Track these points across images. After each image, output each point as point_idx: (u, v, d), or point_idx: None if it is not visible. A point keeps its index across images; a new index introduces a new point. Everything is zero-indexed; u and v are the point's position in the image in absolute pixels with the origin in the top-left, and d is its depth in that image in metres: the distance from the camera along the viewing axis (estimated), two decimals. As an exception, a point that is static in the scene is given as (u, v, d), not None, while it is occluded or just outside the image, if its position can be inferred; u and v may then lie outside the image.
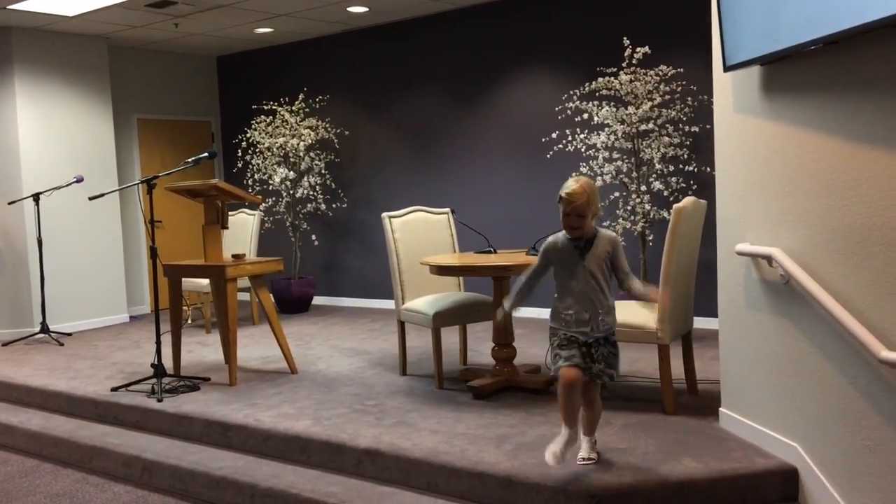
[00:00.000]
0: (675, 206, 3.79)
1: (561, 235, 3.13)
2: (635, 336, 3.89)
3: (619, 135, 5.86)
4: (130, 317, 7.76)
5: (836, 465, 2.86)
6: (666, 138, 5.81)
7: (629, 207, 5.98)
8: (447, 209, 5.30)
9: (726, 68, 3.28)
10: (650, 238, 6.00)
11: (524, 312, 6.68)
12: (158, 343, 4.79)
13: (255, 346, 5.98)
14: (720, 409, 3.66)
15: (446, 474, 3.37)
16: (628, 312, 4.00)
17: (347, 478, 3.62)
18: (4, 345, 6.48)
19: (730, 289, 3.55)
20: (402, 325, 4.94)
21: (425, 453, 3.49)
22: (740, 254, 3.33)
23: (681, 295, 3.95)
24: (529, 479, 3.16)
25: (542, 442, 3.50)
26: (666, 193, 5.91)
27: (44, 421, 4.77)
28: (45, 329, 6.56)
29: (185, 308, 7.41)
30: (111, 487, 4.06)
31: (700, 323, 5.77)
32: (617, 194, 6.22)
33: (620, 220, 6.01)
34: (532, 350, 5.19)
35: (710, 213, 4.09)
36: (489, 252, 4.70)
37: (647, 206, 5.85)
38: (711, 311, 5.13)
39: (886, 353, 2.42)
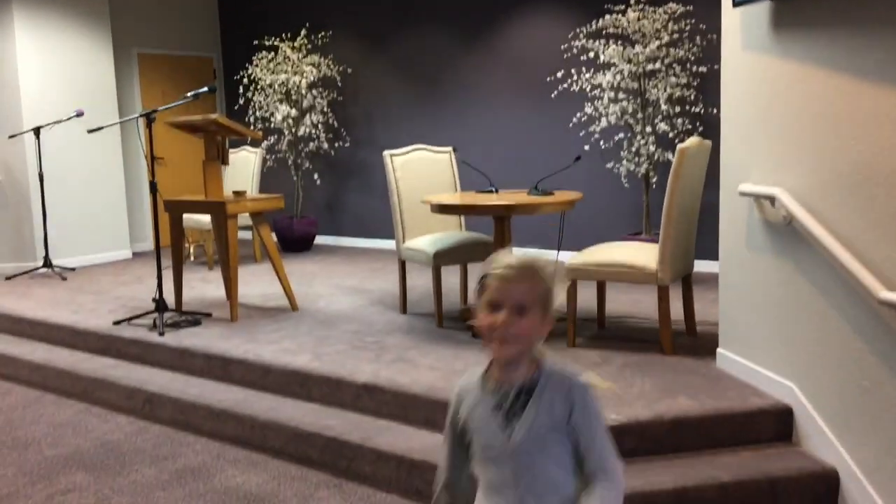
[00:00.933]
0: (679, 146, 3.74)
1: (476, 376, 1.66)
2: (635, 277, 3.88)
3: (626, 74, 5.77)
4: (133, 253, 7.78)
5: (832, 405, 2.88)
6: (673, 78, 5.72)
7: (633, 149, 5.92)
8: (449, 148, 5.25)
9: (735, 3, 3.20)
10: (654, 180, 5.96)
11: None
12: (160, 278, 4.81)
13: (257, 284, 6.00)
14: (717, 349, 3.68)
15: (444, 410, 3.38)
16: (628, 253, 3.99)
17: (346, 412, 3.66)
18: (8, 278, 6.51)
19: (732, 230, 3.53)
20: (402, 264, 4.94)
21: (423, 389, 3.52)
22: (743, 194, 3.30)
23: (682, 236, 3.94)
24: (526, 415, 3.18)
25: (539, 379, 3.52)
26: (671, 135, 5.85)
27: (47, 353, 4.82)
28: (48, 263, 6.58)
29: (186, 245, 7.42)
30: (114, 418, 4.12)
31: (701, 266, 5.76)
32: (621, 135, 6.16)
33: (625, 163, 5.96)
34: (532, 291, 5.20)
35: (714, 155, 4.05)
36: (491, 192, 4.67)
37: (652, 148, 5.79)
38: (713, 255, 5.12)
39: (885, 294, 2.41)
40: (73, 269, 6.77)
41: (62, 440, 3.85)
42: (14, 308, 5.43)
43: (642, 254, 3.94)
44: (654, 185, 5.99)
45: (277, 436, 3.59)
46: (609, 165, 6.20)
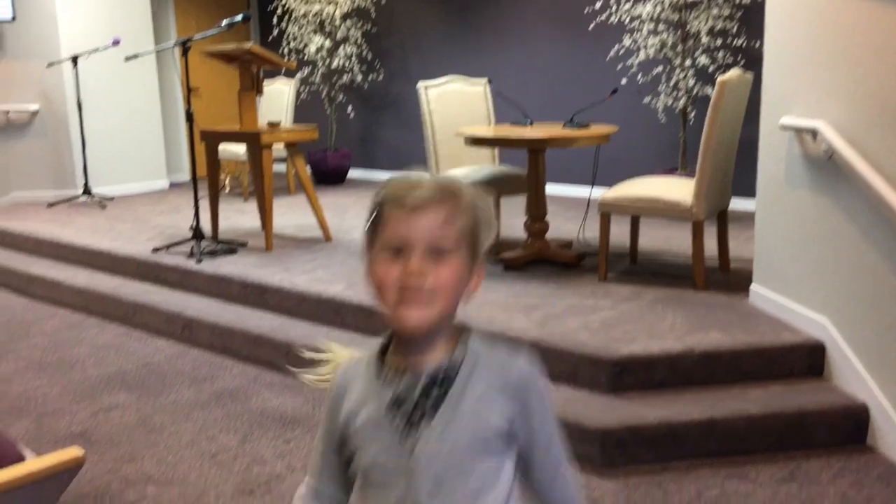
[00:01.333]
0: (720, 78, 3.67)
1: (366, 359, 1.20)
2: (669, 212, 3.86)
3: (666, 6, 5.63)
4: (170, 183, 7.87)
5: (865, 341, 2.87)
6: (715, 10, 5.57)
7: (672, 83, 5.81)
8: (484, 80, 5.20)
9: (785, -71, 3.09)
10: (691, 115, 5.86)
11: (558, 190, 6.65)
12: (197, 207, 4.87)
13: (291, 215, 6.06)
14: (751, 286, 3.66)
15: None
16: (663, 187, 3.96)
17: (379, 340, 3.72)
18: (49, 206, 6.64)
19: (770, 165, 3.48)
20: (435, 196, 4.94)
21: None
22: (784, 128, 3.24)
23: (719, 172, 3.89)
24: (557, 346, 3.22)
25: (570, 313, 3.55)
26: (711, 69, 5.72)
27: (89, 278, 4.94)
28: (87, 192, 6.69)
29: (221, 177, 7.48)
30: (153, 342, 4.24)
31: (737, 204, 5.70)
32: (660, 69, 6.04)
33: (662, 97, 5.86)
34: (565, 226, 5.19)
35: (755, 89, 3.96)
36: (526, 124, 4.63)
37: (691, 82, 5.68)
38: (749, 192, 5.05)
39: (926, 229, 2.38)
40: (111, 199, 6.88)
41: (105, 361, 3.98)
42: (56, 235, 5.56)
43: (677, 189, 3.91)
44: (691, 121, 5.89)
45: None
46: (646, 100, 6.10)
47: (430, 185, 1.11)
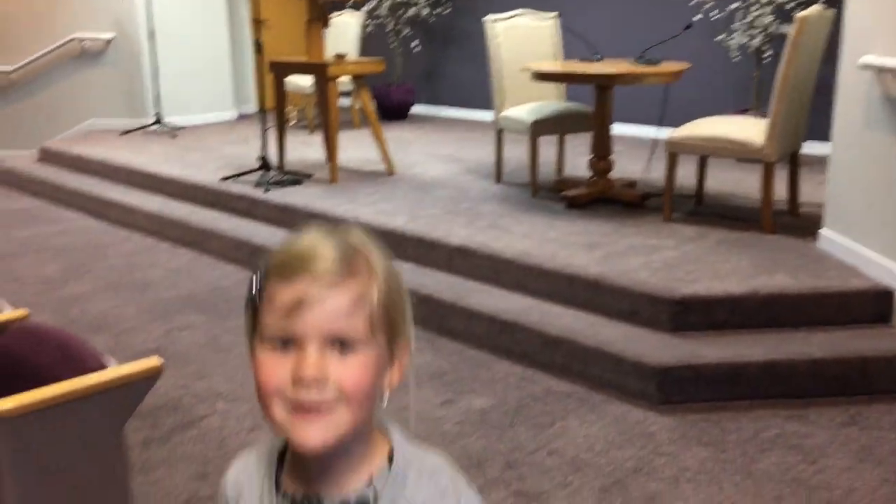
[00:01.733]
0: (799, 14, 3.53)
1: (260, 466, 0.95)
2: (739, 152, 3.78)
3: (747, -61, 5.40)
4: (238, 115, 7.99)
5: (936, 289, 2.80)
6: (799, -56, 5.32)
7: (748, 20, 5.60)
8: (553, 14, 5.10)
9: None
10: (767, 54, 5.66)
11: (624, 129, 6.55)
12: (264, 137, 4.95)
13: (355, 148, 6.11)
14: (821, 230, 3.59)
15: (535, 275, 3.48)
16: (734, 127, 3.87)
17: (439, 272, 3.78)
18: (123, 133, 6.82)
19: (848, 107, 3.36)
20: (499, 133, 4.93)
21: (516, 254, 3.59)
22: (865, 67, 3.12)
23: (793, 112, 3.77)
24: (617, 283, 3.23)
25: (632, 252, 3.54)
26: (790, 6, 5.49)
27: (161, 204, 5.10)
28: (159, 121, 6.84)
29: (288, 108, 7.56)
30: (222, 267, 4.38)
31: (810, 148, 5.53)
32: (736, 5, 5.82)
33: (736, 34, 5.67)
34: (630, 165, 5.13)
35: (835, 27, 3.81)
36: (594, 60, 4.55)
37: (768, 19, 5.47)
38: (823, 135, 4.89)
39: None
40: (182, 128, 7.02)
41: (177, 284, 4.13)
42: (130, 161, 5.73)
43: (749, 128, 3.82)
44: (767, 60, 5.69)
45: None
46: (720, 37, 5.91)
47: (328, 253, 0.84)
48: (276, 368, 0.83)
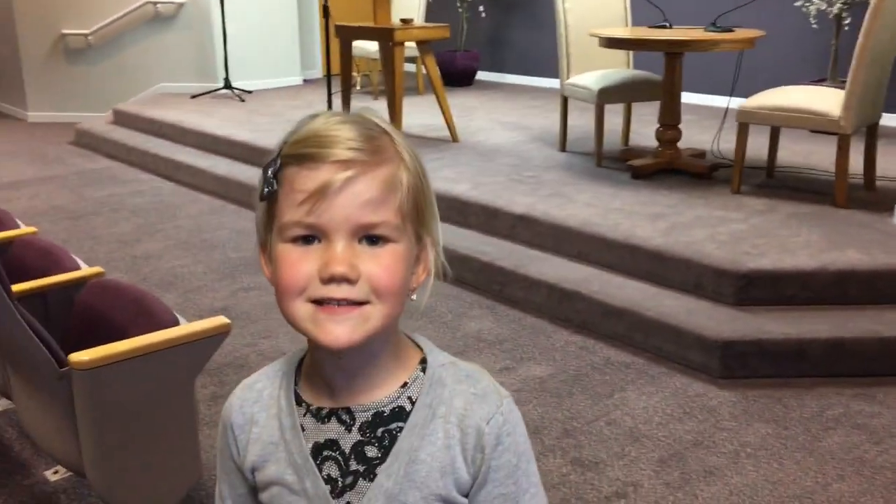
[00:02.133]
0: (885, -21, 3.38)
1: (273, 383, 0.89)
2: (814, 123, 3.66)
3: None
4: (304, 80, 8.06)
5: None
6: None
7: (829, -14, 5.39)
8: (624, -21, 4.98)
9: None
10: (846, 22, 5.44)
11: (694, 98, 6.40)
12: (329, 102, 5.00)
13: (419, 115, 6.12)
14: (897, 205, 3.47)
15: (597, 244, 3.46)
16: (809, 97, 3.75)
17: (501, 240, 3.78)
18: (193, 97, 6.96)
19: (932, 76, 3.22)
20: (564, 100, 4.87)
21: (578, 223, 3.57)
22: (953, 36, 2.98)
23: (872, 82, 3.64)
24: (681, 255, 3.18)
25: (698, 223, 3.48)
26: (875, -29, 5.26)
27: (228, 167, 5.21)
28: (227, 85, 6.96)
29: (353, 74, 7.59)
30: (287, 230, 4.46)
31: (888, 120, 5.32)
32: (817, -29, 5.60)
33: (815, 1, 5.46)
34: (699, 135, 5.01)
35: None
36: (664, 27, 4.44)
37: (850, -14, 5.25)
38: (905, 106, 4.71)
39: None
40: (249, 92, 7.13)
41: (243, 245, 4.23)
42: (200, 124, 5.85)
43: (824, 99, 3.69)
44: (846, 27, 5.47)
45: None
46: (797, 3, 5.70)
47: (351, 134, 0.76)
48: (301, 264, 0.76)
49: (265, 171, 0.79)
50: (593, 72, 4.68)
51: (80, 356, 1.70)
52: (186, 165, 5.41)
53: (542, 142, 5.17)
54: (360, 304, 0.76)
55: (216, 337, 1.92)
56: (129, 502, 1.89)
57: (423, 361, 0.85)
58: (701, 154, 4.56)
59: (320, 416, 0.83)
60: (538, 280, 3.39)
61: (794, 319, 2.91)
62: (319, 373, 0.84)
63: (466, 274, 3.64)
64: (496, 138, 5.30)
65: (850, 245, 3.18)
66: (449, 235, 3.85)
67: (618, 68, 4.86)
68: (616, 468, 2.35)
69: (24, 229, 2.56)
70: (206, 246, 4.22)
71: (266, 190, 0.78)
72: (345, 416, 0.82)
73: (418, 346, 0.87)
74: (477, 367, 0.87)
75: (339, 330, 0.76)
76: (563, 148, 4.91)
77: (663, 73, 4.27)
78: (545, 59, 7.64)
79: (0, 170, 5.86)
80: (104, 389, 1.76)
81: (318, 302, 0.76)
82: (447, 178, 4.29)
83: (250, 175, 5.00)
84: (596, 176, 4.31)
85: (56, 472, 2.33)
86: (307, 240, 0.76)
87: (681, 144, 4.38)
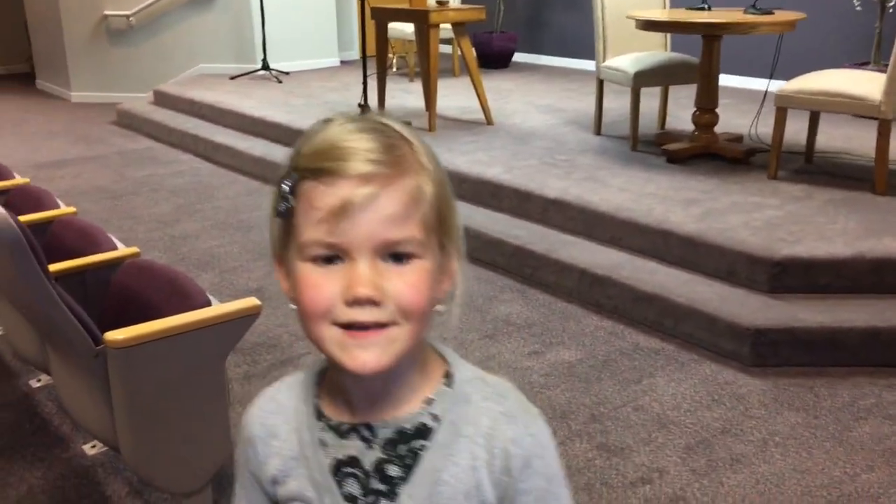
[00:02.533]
0: (932, -40, 3.29)
1: (295, 396, 0.86)
2: (855, 108, 3.59)
3: None
4: (340, 61, 8.09)
5: None
6: None
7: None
8: (663, -40, 4.91)
9: None
10: (891, 3, 5.31)
11: (732, 81, 6.30)
12: (365, 84, 5.02)
13: (454, 97, 6.11)
14: (939, 193, 3.39)
15: (630, 229, 3.44)
16: (849, 81, 3.67)
17: (533, 223, 3.78)
18: (231, 78, 7.03)
19: (979, 61, 3.14)
20: (600, 83, 4.83)
21: (611, 208, 3.55)
22: None
23: (918, 66, 3.54)
24: (714, 242, 3.16)
25: (732, 209, 3.44)
26: (924, -49, 5.11)
27: (265, 148, 5.26)
28: (265, 66, 7.02)
29: (389, 56, 7.60)
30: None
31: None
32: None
33: (862, -18, 5.33)
34: (737, 119, 4.94)
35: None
36: (703, 8, 4.37)
37: (898, -34, 5.11)
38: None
39: None
40: (287, 73, 7.18)
41: (278, 226, 4.28)
42: (238, 105, 5.91)
43: (865, 83, 3.61)
44: (890, 10, 5.34)
45: (468, 240, 3.79)
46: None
47: (369, 143, 0.73)
48: (323, 286, 0.72)
49: (279, 186, 0.75)
50: (630, 54, 4.63)
51: (115, 335, 1.76)
52: (225, 146, 5.48)
53: (578, 125, 5.14)
54: (386, 325, 0.73)
55: (247, 318, 1.96)
56: (162, 477, 1.94)
57: (448, 374, 0.82)
58: (738, 138, 4.50)
59: (341, 432, 0.81)
60: (569, 264, 3.39)
61: (828, 308, 2.87)
62: (340, 387, 0.81)
63: (498, 257, 3.65)
64: (531, 121, 5.28)
65: (888, 232, 3.12)
66: (481, 219, 3.87)
67: (654, 50, 4.80)
68: (642, 454, 2.36)
69: (63, 209, 2.63)
70: (243, 227, 4.29)
71: (282, 207, 0.75)
72: (366, 433, 0.80)
73: (442, 356, 0.83)
74: (505, 383, 0.83)
75: (367, 356, 0.73)
76: (598, 131, 4.88)
77: (701, 56, 4.21)
78: (583, 41, 7.57)
79: (45, 149, 5.99)
80: (138, 367, 1.81)
81: (344, 325, 0.73)
82: (480, 161, 4.29)
83: (287, 156, 5.04)
84: (630, 160, 4.28)
85: (94, 447, 2.41)
86: (328, 259, 0.73)
87: (718, 129, 4.32)
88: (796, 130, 4.17)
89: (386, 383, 0.78)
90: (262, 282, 3.58)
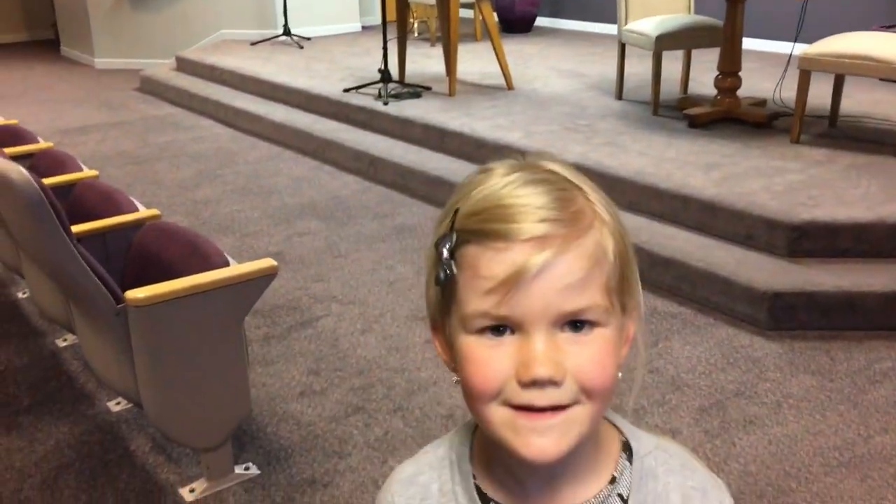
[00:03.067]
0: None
1: (445, 478, 0.75)
2: (881, 71, 3.53)
3: None
4: (362, 27, 8.06)
5: None
6: None
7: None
8: (687, -80, 4.82)
9: None
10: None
11: (757, 45, 6.20)
12: (385, 50, 5.00)
13: (475, 62, 6.07)
14: (964, 157, 3.34)
15: (649, 194, 3.43)
16: (875, 43, 3.61)
17: (552, 188, 3.77)
18: (252, 44, 7.03)
19: None
20: (622, 47, 4.78)
21: (630, 173, 3.54)
22: None
23: (946, 27, 3.47)
24: (733, 206, 3.14)
25: (753, 174, 3.42)
26: None
27: (286, 114, 5.28)
28: (286, 32, 7.01)
29: (410, 20, 7.56)
30: (342, 176, 4.53)
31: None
32: None
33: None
34: (761, 84, 4.87)
35: None
36: (727, -30, 4.30)
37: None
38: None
39: None
40: (308, 39, 7.17)
41: (299, 191, 4.32)
42: (258, 71, 5.93)
43: (892, 45, 3.55)
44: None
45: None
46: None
47: (544, 201, 0.64)
48: (493, 364, 0.64)
49: (438, 249, 0.65)
50: (652, 17, 4.58)
51: (135, 293, 1.80)
52: (245, 112, 5.50)
53: (599, 90, 5.10)
54: (566, 406, 0.64)
55: (264, 278, 1.99)
56: (183, 433, 2.00)
57: (625, 446, 0.74)
58: (761, 103, 4.44)
59: None
60: (587, 229, 3.39)
61: (847, 272, 2.86)
62: (505, 466, 0.71)
63: (516, 222, 3.65)
64: (552, 86, 5.25)
65: (910, 197, 3.09)
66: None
67: (677, 13, 4.74)
68: (655, 415, 2.38)
69: (85, 172, 2.68)
70: (263, 192, 4.32)
71: (443, 275, 0.65)
72: None
73: (614, 425, 0.75)
74: (683, 451, 0.76)
75: (544, 442, 0.64)
76: (619, 96, 4.84)
77: (724, 19, 4.15)
78: (606, 4, 7.47)
79: (70, 115, 6.06)
80: (158, 325, 1.85)
81: (519, 409, 0.64)
82: (500, 125, 4.28)
83: (307, 122, 5.07)
84: (651, 125, 4.25)
85: (118, 403, 2.47)
86: (497, 329, 0.64)
87: (741, 93, 4.27)
88: (821, 94, 4.11)
89: (564, 465, 0.68)
90: (282, 246, 3.62)
